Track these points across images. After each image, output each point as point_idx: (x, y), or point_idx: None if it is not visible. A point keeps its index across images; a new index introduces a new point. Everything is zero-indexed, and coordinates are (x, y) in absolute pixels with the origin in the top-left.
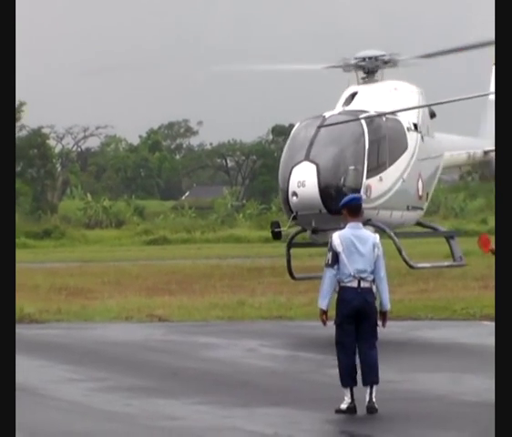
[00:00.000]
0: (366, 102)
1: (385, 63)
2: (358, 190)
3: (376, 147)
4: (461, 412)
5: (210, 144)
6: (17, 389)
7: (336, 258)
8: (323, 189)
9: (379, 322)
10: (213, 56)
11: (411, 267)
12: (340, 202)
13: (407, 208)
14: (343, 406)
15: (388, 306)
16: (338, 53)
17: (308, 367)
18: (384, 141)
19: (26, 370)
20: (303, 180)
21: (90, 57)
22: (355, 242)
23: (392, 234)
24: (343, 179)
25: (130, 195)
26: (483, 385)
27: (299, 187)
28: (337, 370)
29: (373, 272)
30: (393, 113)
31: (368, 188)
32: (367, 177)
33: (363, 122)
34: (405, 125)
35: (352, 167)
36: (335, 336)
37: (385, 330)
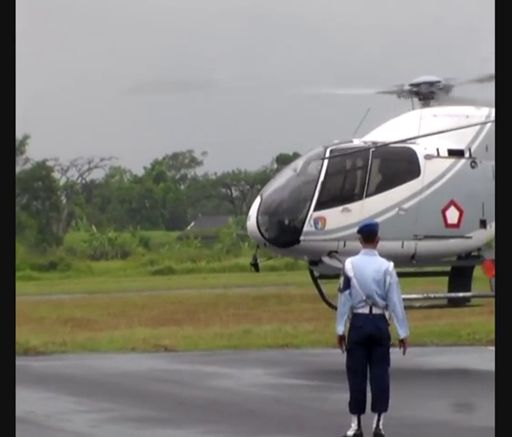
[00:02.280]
0: (383, 133)
1: (441, 89)
2: (301, 222)
3: (341, 178)
4: None
5: (215, 174)
6: (23, 421)
7: (348, 283)
8: (260, 223)
9: (400, 349)
10: (219, 86)
11: None
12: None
13: (416, 238)
14: (350, 433)
15: (403, 334)
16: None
17: (314, 395)
18: (359, 171)
19: (32, 402)
20: (250, 215)
21: (94, 90)
22: (367, 268)
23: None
24: (281, 212)
25: (135, 226)
26: (489, 410)
27: (247, 221)
28: (343, 398)
29: (385, 299)
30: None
31: (319, 220)
32: (318, 209)
33: (327, 154)
34: (421, 152)
35: (289, 200)
36: (346, 361)
37: (391, 357)
